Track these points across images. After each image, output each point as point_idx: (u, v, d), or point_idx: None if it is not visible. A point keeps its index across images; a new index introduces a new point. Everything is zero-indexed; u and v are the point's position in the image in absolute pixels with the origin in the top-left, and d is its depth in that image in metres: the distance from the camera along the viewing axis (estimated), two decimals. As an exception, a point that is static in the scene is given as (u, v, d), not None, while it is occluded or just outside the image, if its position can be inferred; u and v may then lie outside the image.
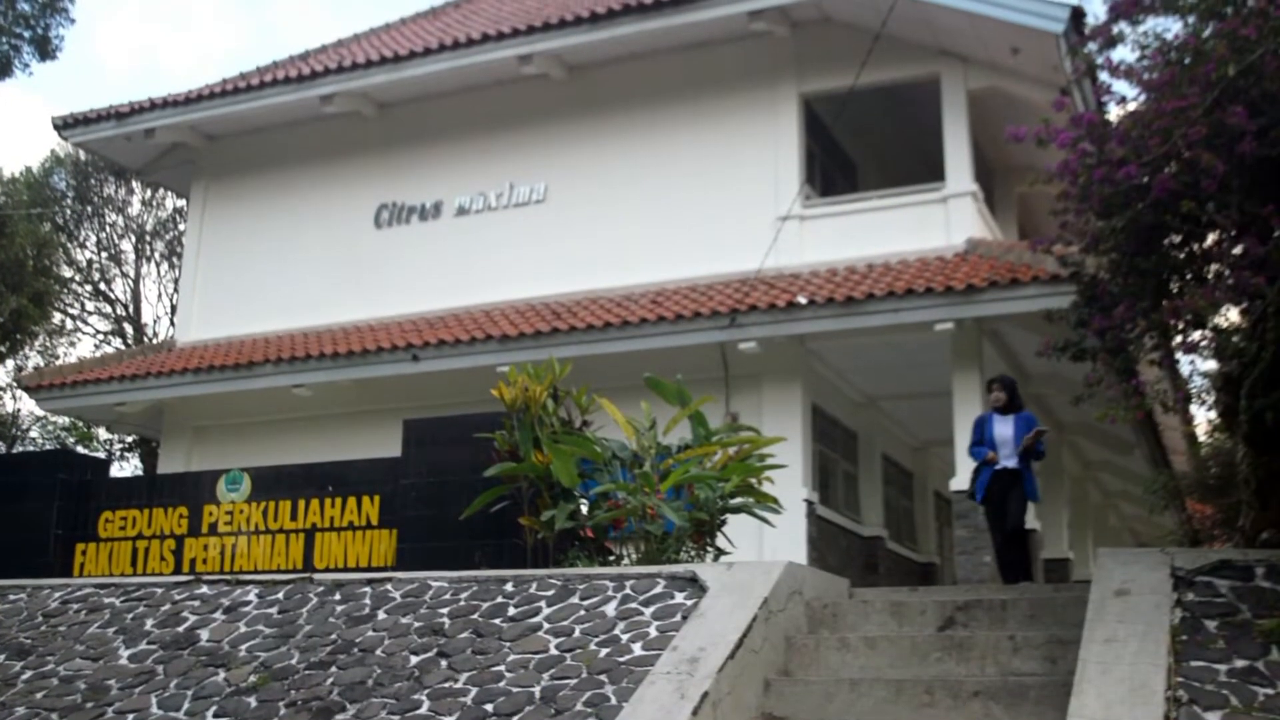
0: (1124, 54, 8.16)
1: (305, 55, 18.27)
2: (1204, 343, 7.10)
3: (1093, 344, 7.71)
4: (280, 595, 8.66)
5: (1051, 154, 8.40)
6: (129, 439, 27.06)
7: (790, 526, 11.49)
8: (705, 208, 15.16)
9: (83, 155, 26.96)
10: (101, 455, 26.36)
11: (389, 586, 8.41)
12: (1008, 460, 10.18)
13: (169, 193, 27.23)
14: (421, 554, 9.36)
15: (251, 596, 8.74)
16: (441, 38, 16.61)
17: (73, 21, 23.33)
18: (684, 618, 7.05)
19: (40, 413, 27.44)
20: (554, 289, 15.48)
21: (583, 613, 7.41)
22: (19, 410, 29.69)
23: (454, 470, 9.46)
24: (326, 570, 9.86)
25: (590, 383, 10.03)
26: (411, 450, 9.82)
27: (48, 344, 28.94)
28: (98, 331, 30.10)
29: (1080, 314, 7.86)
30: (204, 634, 8.30)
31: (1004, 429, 10.26)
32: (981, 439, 10.38)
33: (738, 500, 8.71)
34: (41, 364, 27.98)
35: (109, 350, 28.49)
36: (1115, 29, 7.82)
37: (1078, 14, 12.58)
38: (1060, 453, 18.39)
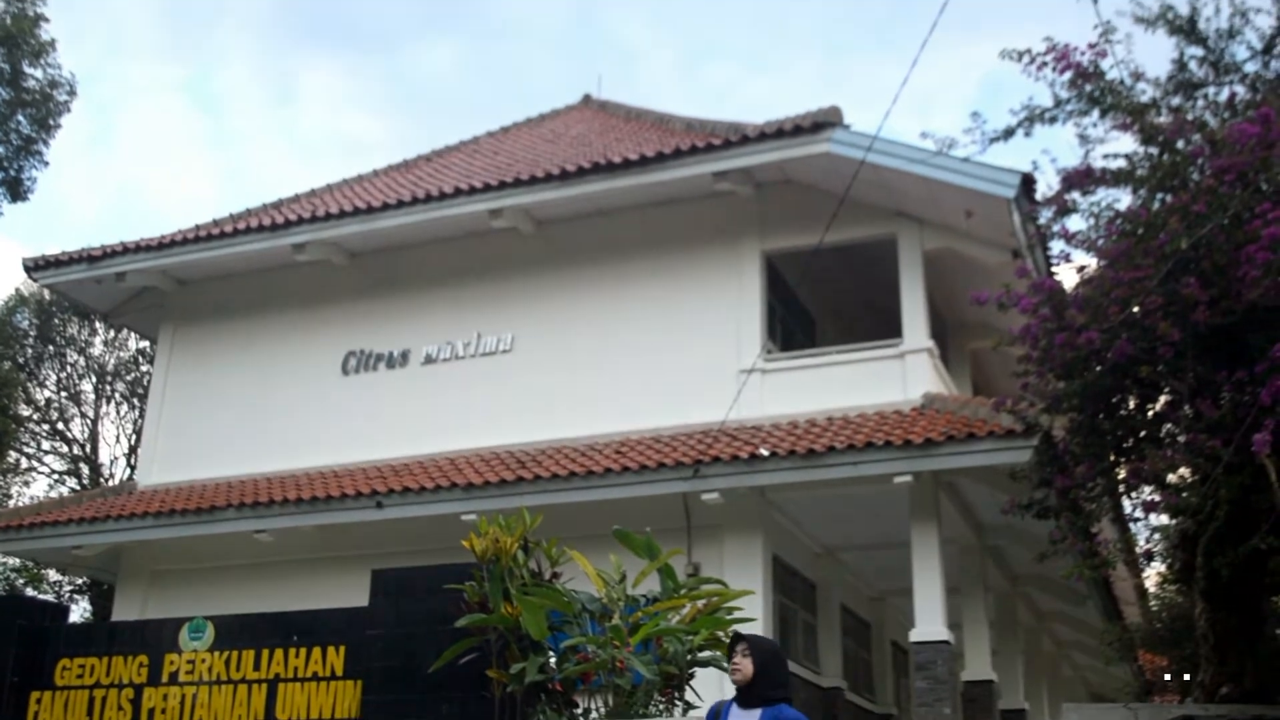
0: (1078, 223, 8.60)
1: (278, 204, 18.55)
2: (1161, 502, 7.33)
3: (1055, 503, 7.93)
4: (244, 748, 8.54)
5: (1010, 315, 8.75)
6: (79, 581, 26.53)
7: (753, 678, 11.45)
8: (669, 360, 15.43)
9: (47, 294, 26.98)
10: (54, 599, 25.76)
11: (356, 739, 8.31)
12: None
13: (132, 334, 27.24)
14: (387, 706, 9.25)
15: (214, 749, 8.60)
16: (414, 190, 16.99)
17: (46, 164, 23.58)
18: (657, 773, 7.04)
19: (-9, 553, 26.84)
20: (519, 438, 15.59)
21: (554, 768, 7.37)
22: (-34, 551, 29.01)
23: (422, 621, 9.39)
24: (289, 722, 9.71)
25: (554, 531, 10.07)
26: (379, 600, 9.76)
27: (1, 483, 28.52)
28: (53, 471, 29.71)
29: (1043, 473, 8.11)
30: (165, 788, 8.14)
31: None
32: None
33: (706, 653, 8.73)
34: (-6, 503, 27.56)
35: (64, 490, 28.11)
36: (1068, 198, 8.24)
37: (1028, 180, 13.15)
38: (1015, 605, 18.51)
